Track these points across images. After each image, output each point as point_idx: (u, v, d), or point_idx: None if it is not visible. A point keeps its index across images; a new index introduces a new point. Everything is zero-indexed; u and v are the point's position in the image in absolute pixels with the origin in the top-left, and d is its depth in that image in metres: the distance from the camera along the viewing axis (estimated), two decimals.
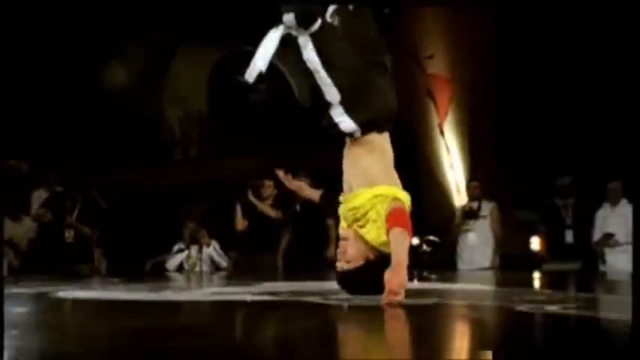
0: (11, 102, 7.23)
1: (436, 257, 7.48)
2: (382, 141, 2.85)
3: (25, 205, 7.24)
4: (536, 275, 6.14)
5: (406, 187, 2.82)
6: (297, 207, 6.97)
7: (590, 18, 7.17)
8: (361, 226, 2.68)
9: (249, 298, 3.17)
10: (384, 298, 2.46)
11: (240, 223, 7.02)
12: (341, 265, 2.72)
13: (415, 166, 8.21)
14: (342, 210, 2.84)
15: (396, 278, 2.44)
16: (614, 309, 2.71)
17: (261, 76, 2.86)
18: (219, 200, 7.40)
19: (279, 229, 7.01)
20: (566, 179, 6.77)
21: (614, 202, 6.63)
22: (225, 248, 7.19)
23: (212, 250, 7.11)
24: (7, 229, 6.74)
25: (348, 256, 2.69)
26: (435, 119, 8.46)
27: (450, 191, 8.42)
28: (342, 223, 2.84)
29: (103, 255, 7.23)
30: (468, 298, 3.39)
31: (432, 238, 7.99)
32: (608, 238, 6.60)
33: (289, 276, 5.74)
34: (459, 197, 8.19)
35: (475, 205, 7.11)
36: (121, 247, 7.31)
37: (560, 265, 6.71)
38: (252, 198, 6.92)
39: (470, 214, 7.12)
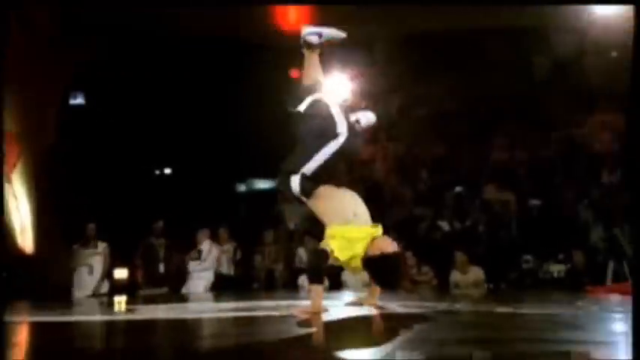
0: None
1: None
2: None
3: None
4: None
5: None
6: None
7: None
8: None
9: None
10: None
11: None
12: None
13: None
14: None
15: None
16: None
17: None
18: None
19: None
20: (159, 223, 10.28)
21: None
22: None
23: None
24: None
25: None
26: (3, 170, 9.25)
27: (15, 230, 9.56)
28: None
29: None
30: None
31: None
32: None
33: None
34: (23, 236, 9.63)
35: (91, 243, 9.59)
36: None
37: (153, 290, 9.69)
38: None
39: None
